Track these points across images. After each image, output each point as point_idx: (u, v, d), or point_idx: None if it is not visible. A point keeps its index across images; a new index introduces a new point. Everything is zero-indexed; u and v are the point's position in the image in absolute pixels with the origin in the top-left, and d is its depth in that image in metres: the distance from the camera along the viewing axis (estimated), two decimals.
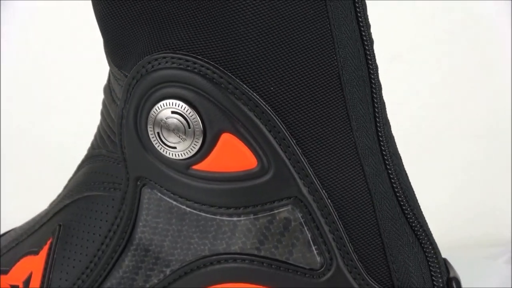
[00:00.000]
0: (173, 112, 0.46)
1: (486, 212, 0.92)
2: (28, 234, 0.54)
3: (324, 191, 0.46)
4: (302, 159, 0.45)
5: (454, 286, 0.48)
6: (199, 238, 0.47)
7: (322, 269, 0.46)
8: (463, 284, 0.50)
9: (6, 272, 0.53)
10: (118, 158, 0.49)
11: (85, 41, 0.91)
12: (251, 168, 0.46)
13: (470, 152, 0.96)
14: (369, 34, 0.47)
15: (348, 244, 0.46)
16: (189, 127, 0.45)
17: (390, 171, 0.48)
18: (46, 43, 0.96)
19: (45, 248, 0.51)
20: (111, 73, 0.50)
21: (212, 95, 0.45)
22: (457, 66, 0.96)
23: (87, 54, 0.89)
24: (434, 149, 0.96)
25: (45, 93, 0.97)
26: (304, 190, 0.46)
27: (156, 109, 0.46)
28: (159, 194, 0.48)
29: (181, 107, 0.45)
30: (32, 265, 0.52)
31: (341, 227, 0.46)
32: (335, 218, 0.46)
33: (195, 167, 0.46)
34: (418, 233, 0.48)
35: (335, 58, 0.46)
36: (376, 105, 0.48)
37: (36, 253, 0.52)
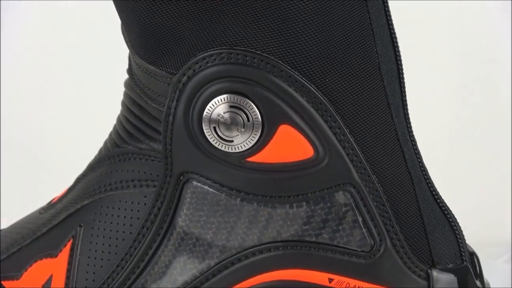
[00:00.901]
0: (231, 106, 0.47)
1: (486, 212, 0.93)
2: (33, 237, 0.53)
3: (374, 176, 0.48)
4: (355, 147, 0.48)
5: (475, 260, 0.52)
6: (247, 228, 0.48)
7: (372, 250, 0.49)
8: None
9: (17, 277, 0.52)
10: (153, 154, 0.50)
11: (84, 42, 0.90)
12: (307, 157, 0.47)
13: (470, 152, 0.97)
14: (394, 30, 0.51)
15: (395, 226, 0.49)
16: (248, 120, 0.47)
17: (418, 156, 0.51)
18: (45, 43, 0.95)
19: (65, 250, 0.51)
20: (140, 71, 0.50)
21: (271, 88, 0.46)
22: (457, 66, 0.97)
23: (87, 54, 0.89)
24: (433, 149, 0.94)
25: (47, 93, 0.95)
26: (357, 176, 0.48)
27: (212, 104, 0.47)
28: (206, 187, 0.49)
29: (240, 101, 0.47)
30: (51, 268, 0.51)
31: (389, 209, 0.49)
32: (385, 201, 0.48)
33: (250, 159, 0.48)
34: (446, 212, 0.52)
35: (375, 50, 0.48)
36: (403, 94, 0.51)
37: (53, 255, 0.51)
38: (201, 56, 0.47)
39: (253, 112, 0.47)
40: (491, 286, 0.55)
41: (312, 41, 0.46)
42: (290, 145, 0.47)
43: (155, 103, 0.49)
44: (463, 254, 0.51)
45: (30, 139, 0.95)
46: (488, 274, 0.65)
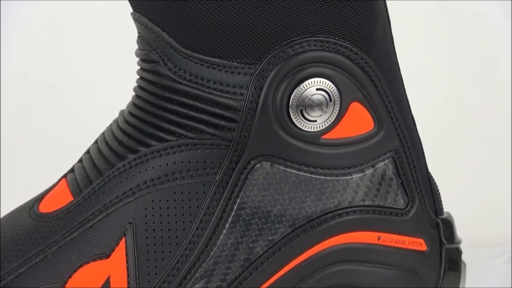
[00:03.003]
0: (317, 89, 0.52)
1: (486, 212, 0.93)
2: (61, 244, 0.52)
3: (409, 142, 0.55)
4: (400, 118, 0.55)
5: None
6: (311, 200, 0.53)
7: (408, 207, 0.56)
8: (462, 284, 0.61)
9: (59, 285, 0.51)
10: (215, 143, 0.52)
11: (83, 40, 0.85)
12: (369, 130, 0.54)
13: (470, 152, 0.97)
14: None
15: (421, 184, 0.56)
16: (331, 101, 0.52)
17: None
18: (44, 43, 0.87)
19: (119, 249, 0.52)
20: (192, 64, 0.52)
21: (347, 70, 0.52)
22: (457, 66, 0.96)
23: (88, 53, 0.85)
24: (433, 149, 0.88)
25: (47, 93, 0.88)
26: (399, 144, 0.55)
27: (301, 88, 0.51)
28: (276, 166, 0.52)
29: (325, 84, 0.52)
30: (106, 269, 0.51)
31: (418, 172, 0.56)
32: (416, 164, 0.55)
33: (324, 136, 0.53)
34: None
35: (391, 37, 0.55)
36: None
37: (104, 257, 0.51)
38: (286, 44, 0.51)
39: (334, 93, 0.52)
40: (491, 286, 0.64)
41: (374, 26, 0.53)
42: (357, 120, 0.53)
43: (226, 93, 0.51)
44: (441, 204, 0.59)
45: (29, 138, 0.90)
46: (488, 274, 0.72)
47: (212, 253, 0.52)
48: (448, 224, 0.57)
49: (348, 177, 0.53)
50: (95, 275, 0.51)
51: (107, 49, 0.89)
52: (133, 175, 0.52)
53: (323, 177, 0.53)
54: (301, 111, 0.51)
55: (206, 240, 0.52)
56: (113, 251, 0.52)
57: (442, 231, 0.57)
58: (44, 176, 0.65)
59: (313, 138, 0.52)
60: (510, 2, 0.95)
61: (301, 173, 0.53)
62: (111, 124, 0.57)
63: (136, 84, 0.55)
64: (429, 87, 0.98)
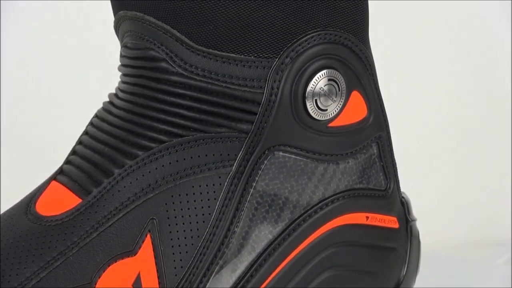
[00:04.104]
0: (329, 80, 0.55)
1: (486, 212, 0.93)
2: (81, 245, 0.51)
3: (387, 127, 0.59)
4: (382, 103, 0.58)
5: None
6: (315, 186, 0.56)
7: (387, 188, 0.59)
8: (463, 284, 0.64)
9: (89, 286, 0.51)
10: (233, 135, 0.54)
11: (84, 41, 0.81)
12: (363, 117, 0.57)
13: (470, 152, 0.95)
14: None
15: (394, 166, 0.60)
16: (339, 90, 0.55)
17: None
18: (45, 42, 0.82)
19: (146, 246, 0.52)
20: (206, 60, 0.53)
21: (350, 61, 0.56)
22: (457, 67, 0.95)
23: (82, 53, 0.82)
24: (434, 149, 0.93)
25: (48, 94, 0.83)
26: (382, 128, 0.58)
27: (316, 79, 0.54)
28: (287, 155, 0.55)
29: (335, 74, 0.55)
30: (136, 266, 0.52)
31: (392, 154, 0.60)
32: (391, 148, 0.60)
33: (331, 124, 0.56)
34: None
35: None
36: None
37: (132, 254, 0.52)
38: (303, 38, 0.54)
39: (342, 83, 0.55)
40: (491, 286, 0.66)
41: (366, 18, 0.57)
42: (356, 108, 0.57)
43: (244, 87, 0.53)
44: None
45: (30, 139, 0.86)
46: (488, 274, 0.74)
47: (230, 244, 0.54)
48: (408, 203, 0.61)
49: (346, 162, 0.57)
50: (124, 273, 0.52)
51: (99, 49, 0.90)
52: (150, 172, 0.53)
53: (326, 164, 0.56)
54: (315, 101, 0.54)
55: (225, 230, 0.54)
56: (140, 248, 0.52)
57: (407, 208, 0.61)
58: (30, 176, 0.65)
59: (322, 127, 0.55)
60: (510, 2, 0.97)
61: (308, 160, 0.55)
62: (94, 124, 0.56)
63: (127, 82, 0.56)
64: (429, 86, 1.01)
